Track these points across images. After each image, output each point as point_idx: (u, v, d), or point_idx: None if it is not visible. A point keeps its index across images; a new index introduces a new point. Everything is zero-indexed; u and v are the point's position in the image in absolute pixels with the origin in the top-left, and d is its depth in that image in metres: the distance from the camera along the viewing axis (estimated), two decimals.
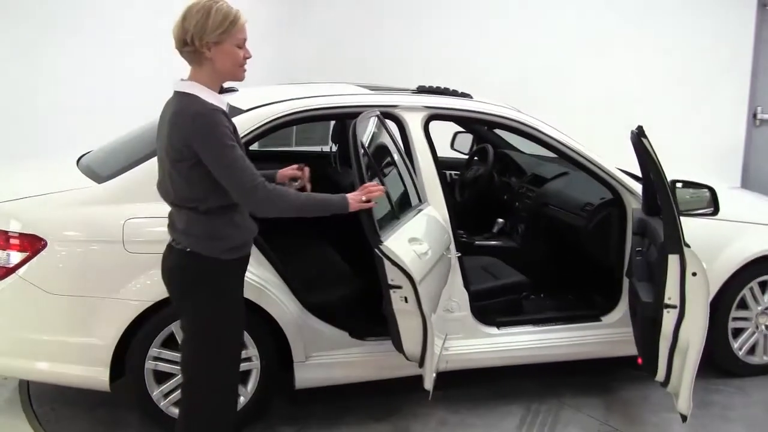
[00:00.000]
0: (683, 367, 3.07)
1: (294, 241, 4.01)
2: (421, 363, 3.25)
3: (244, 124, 3.44)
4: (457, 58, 7.37)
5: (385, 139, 3.58)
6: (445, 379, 3.58)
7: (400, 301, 3.06)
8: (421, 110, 3.69)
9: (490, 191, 4.87)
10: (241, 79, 2.58)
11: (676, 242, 2.99)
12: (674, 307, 3.03)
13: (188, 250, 2.57)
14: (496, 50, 7.54)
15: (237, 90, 4.05)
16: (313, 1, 8.30)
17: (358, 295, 3.79)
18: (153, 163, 3.32)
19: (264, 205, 2.52)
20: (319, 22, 8.23)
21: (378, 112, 3.45)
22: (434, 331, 3.14)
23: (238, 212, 2.63)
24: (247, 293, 3.30)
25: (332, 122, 4.81)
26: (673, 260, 3.00)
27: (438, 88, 3.97)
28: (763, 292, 4.06)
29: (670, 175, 3.20)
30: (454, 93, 3.94)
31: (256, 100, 3.60)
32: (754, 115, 7.10)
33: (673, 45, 7.02)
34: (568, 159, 3.86)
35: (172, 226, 2.66)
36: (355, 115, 3.67)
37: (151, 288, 3.21)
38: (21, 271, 3.19)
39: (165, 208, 3.27)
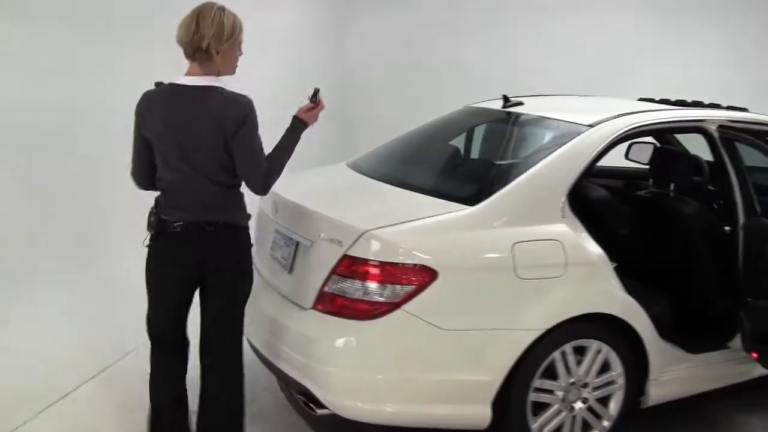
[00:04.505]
0: None
1: None
2: None
3: (598, 138, 3.36)
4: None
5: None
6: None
7: None
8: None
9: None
10: (233, 74, 2.86)
11: None
12: None
13: (232, 223, 2.83)
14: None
15: (524, 103, 3.91)
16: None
17: (669, 313, 3.71)
18: (522, 182, 3.21)
19: (271, 180, 2.82)
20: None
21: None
22: None
23: None
24: (619, 311, 3.27)
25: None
26: None
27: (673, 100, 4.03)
28: None
29: None
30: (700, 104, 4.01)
31: (590, 115, 3.50)
32: None
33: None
34: None
35: (193, 207, 2.78)
36: (676, 130, 3.71)
37: (540, 315, 3.08)
38: (408, 305, 2.94)
39: (549, 230, 3.16)
